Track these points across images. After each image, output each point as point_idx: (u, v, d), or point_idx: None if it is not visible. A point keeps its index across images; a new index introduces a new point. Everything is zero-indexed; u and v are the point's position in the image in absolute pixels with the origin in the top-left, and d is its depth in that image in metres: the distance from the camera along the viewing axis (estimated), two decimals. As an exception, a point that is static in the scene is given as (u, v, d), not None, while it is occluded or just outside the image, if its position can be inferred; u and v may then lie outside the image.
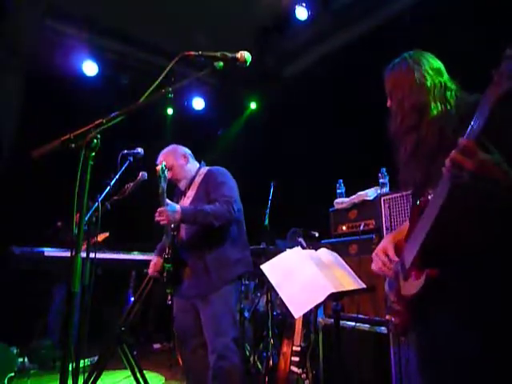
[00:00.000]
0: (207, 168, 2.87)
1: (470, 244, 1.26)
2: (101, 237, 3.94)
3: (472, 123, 1.08)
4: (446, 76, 1.48)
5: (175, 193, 2.98)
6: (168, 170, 2.75)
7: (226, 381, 2.44)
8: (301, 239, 2.32)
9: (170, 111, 6.69)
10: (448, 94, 1.43)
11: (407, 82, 1.47)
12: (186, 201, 2.74)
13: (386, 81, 1.57)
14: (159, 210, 2.44)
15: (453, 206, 1.17)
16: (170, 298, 2.65)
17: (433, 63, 1.48)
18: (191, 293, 2.57)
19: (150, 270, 2.75)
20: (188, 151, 2.93)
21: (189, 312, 2.63)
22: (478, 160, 1.05)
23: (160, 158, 2.85)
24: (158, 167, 2.54)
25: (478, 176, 1.06)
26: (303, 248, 2.32)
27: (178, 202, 2.84)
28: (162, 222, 2.46)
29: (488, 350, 1.22)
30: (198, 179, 2.77)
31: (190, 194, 2.75)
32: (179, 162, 2.81)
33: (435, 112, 1.40)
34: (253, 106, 6.88)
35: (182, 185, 2.82)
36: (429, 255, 1.31)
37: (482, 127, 1.05)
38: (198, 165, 2.91)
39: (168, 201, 2.50)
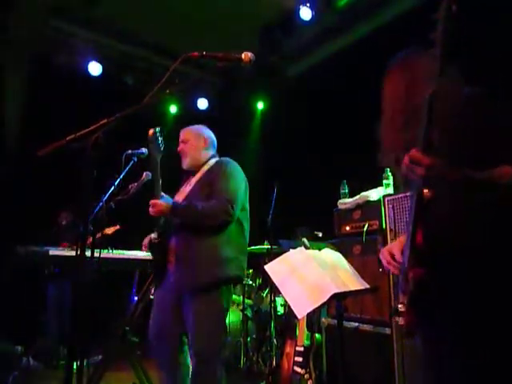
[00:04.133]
0: (216, 159, 2.67)
1: (450, 242, 1.27)
2: (111, 229, 3.93)
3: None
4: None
5: (182, 179, 2.79)
6: (182, 142, 2.63)
7: None
8: (304, 239, 2.32)
9: (173, 110, 6.71)
10: None
11: (397, 83, 1.47)
12: (188, 188, 2.57)
13: (384, 83, 1.57)
14: (153, 202, 2.31)
15: (430, 205, 1.28)
16: (153, 291, 2.47)
17: (424, 61, 1.47)
18: (177, 284, 2.36)
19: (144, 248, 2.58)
20: (213, 138, 2.72)
21: (170, 310, 2.42)
22: (425, 165, 1.18)
23: (182, 132, 2.70)
24: (151, 130, 2.36)
25: (429, 179, 1.20)
26: (307, 248, 2.32)
27: (181, 187, 2.71)
28: (151, 214, 2.34)
29: (486, 351, 1.23)
30: (205, 167, 2.59)
31: (193, 181, 2.57)
32: (197, 142, 2.62)
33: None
34: (260, 106, 6.86)
35: (186, 164, 2.60)
36: (416, 255, 1.32)
37: (424, 131, 1.20)
38: (212, 154, 2.70)
39: (162, 193, 2.38)
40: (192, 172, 2.65)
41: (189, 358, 2.45)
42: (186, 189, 2.58)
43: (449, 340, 1.31)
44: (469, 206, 1.26)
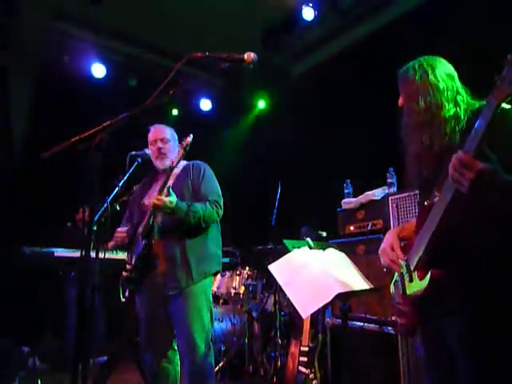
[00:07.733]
0: (186, 162, 2.69)
1: (473, 245, 1.27)
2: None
3: (474, 128, 1.14)
4: (457, 81, 1.53)
5: (145, 179, 2.79)
6: (161, 140, 2.60)
7: None
8: (308, 239, 2.31)
9: (175, 112, 6.69)
10: (459, 98, 1.48)
11: (422, 82, 1.51)
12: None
13: (400, 81, 1.60)
14: (160, 198, 2.29)
15: (456, 210, 1.22)
16: (127, 294, 2.42)
17: (446, 68, 1.54)
18: (167, 285, 2.37)
19: (112, 241, 2.53)
20: None
21: (158, 312, 2.44)
22: (476, 170, 1.12)
23: (160, 130, 2.66)
24: (189, 140, 2.38)
25: (477, 184, 1.12)
26: (310, 248, 2.32)
27: (146, 186, 2.72)
28: (154, 205, 2.31)
29: (500, 350, 1.22)
30: (176, 170, 2.58)
31: (169, 182, 2.50)
32: (175, 143, 2.62)
33: (448, 113, 1.45)
34: (261, 105, 6.84)
35: (163, 165, 2.57)
36: (433, 257, 1.32)
37: (481, 136, 1.12)
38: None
39: (171, 191, 2.34)
40: (155, 172, 2.66)
41: (177, 357, 2.46)
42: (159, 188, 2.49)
43: (466, 340, 1.29)
44: (492, 211, 1.25)
